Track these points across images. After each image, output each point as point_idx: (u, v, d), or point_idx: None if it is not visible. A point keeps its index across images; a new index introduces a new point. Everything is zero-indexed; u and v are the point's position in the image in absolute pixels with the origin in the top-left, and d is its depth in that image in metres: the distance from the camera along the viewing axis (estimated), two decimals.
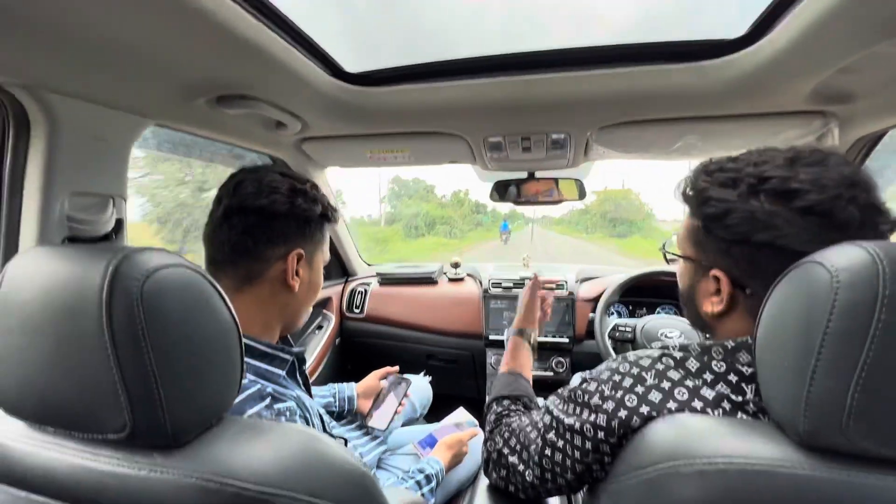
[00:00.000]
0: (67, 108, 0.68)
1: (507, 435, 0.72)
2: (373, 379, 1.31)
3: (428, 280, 1.92)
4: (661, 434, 0.47)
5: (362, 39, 1.13)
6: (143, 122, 0.81)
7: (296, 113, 1.00)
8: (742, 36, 0.79)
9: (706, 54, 0.83)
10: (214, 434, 0.47)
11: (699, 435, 0.45)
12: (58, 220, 0.71)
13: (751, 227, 0.51)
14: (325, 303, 1.87)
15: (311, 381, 1.33)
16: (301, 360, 0.80)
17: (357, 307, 1.93)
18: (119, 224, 0.82)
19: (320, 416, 0.83)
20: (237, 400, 0.60)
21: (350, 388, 1.25)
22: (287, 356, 0.73)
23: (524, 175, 1.44)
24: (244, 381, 0.62)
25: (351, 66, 0.99)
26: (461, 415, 1.34)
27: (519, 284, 1.74)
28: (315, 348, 1.71)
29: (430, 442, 1.23)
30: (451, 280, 1.95)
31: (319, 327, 1.82)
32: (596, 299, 1.56)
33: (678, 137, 1.00)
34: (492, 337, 1.71)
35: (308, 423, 0.70)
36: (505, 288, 1.75)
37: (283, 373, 0.72)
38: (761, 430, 0.44)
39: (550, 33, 0.94)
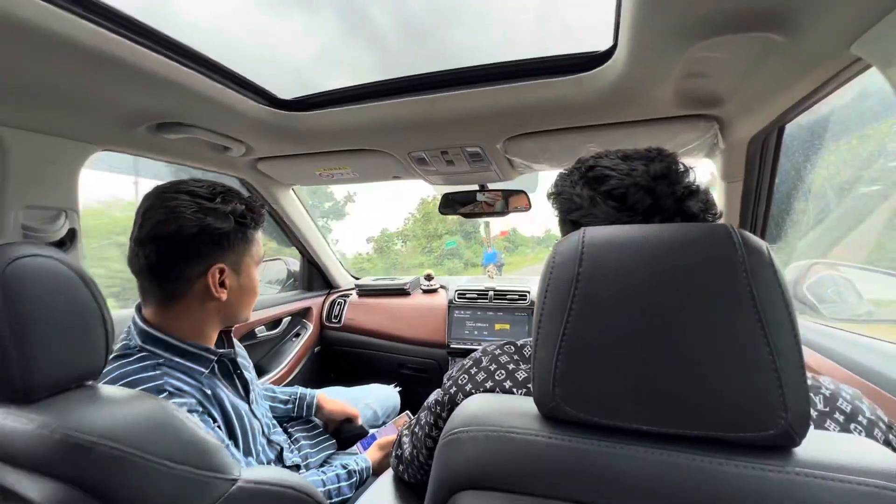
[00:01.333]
0: (17, 139, 0.85)
1: (410, 422, 0.79)
2: (338, 407, 1.29)
3: (401, 292, 2.01)
4: (466, 406, 0.53)
5: (291, 69, 1.27)
6: (89, 147, 0.98)
7: (235, 137, 1.14)
8: (607, 49, 0.86)
9: (581, 67, 0.89)
10: (71, 396, 0.57)
11: (487, 409, 0.50)
12: (12, 228, 0.87)
13: (568, 207, 0.57)
14: (305, 312, 1.99)
15: (283, 384, 1.41)
16: (232, 361, 0.86)
17: (336, 317, 2.03)
18: (72, 233, 0.97)
19: (256, 417, 0.90)
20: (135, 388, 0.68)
21: (312, 396, 1.26)
22: (210, 356, 0.80)
23: (475, 187, 1.52)
24: (150, 374, 0.72)
25: (284, 94, 1.13)
26: (406, 418, 1.39)
27: (483, 294, 1.80)
28: (289, 355, 1.82)
29: (370, 442, 1.28)
30: (424, 292, 2.02)
31: (297, 335, 1.93)
32: None
33: (581, 146, 1.06)
34: (454, 346, 1.76)
35: (215, 421, 0.76)
36: (469, 298, 1.81)
37: (204, 371, 0.79)
38: (527, 405, 0.49)
39: (451, 56, 1.03)
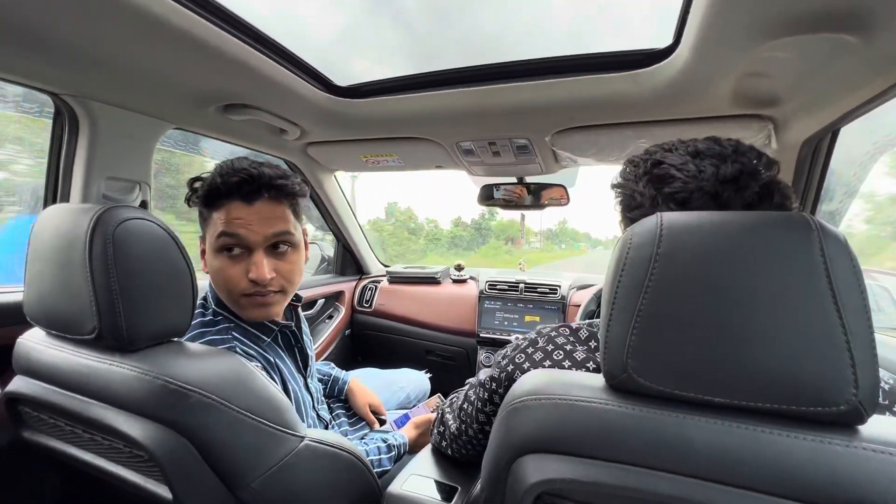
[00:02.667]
0: (104, 113, 0.91)
1: (453, 396, 0.83)
2: (365, 398, 1.31)
3: (432, 280, 2.05)
4: (527, 378, 0.56)
5: (350, 57, 1.31)
6: (163, 125, 1.04)
7: (292, 120, 1.19)
8: (667, 46, 0.87)
9: (638, 64, 0.91)
10: (164, 348, 0.63)
11: (550, 381, 0.53)
12: (95, 198, 0.93)
13: (629, 204, 0.57)
14: (338, 296, 2.06)
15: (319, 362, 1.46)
16: (293, 333, 0.92)
17: (367, 302, 2.09)
18: (144, 204, 1.04)
19: (309, 391, 0.95)
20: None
21: (344, 382, 1.31)
22: (272, 326, 0.85)
23: (513, 180, 1.55)
24: (223, 336, 0.78)
25: (341, 81, 1.17)
26: (437, 400, 1.43)
27: (514, 286, 1.82)
28: (322, 335, 1.88)
29: (404, 421, 1.33)
30: (454, 281, 2.06)
31: (330, 317, 2.00)
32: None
33: (630, 142, 1.07)
34: (483, 335, 1.80)
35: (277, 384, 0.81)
36: (500, 289, 1.84)
37: (267, 339, 0.85)
38: (593, 379, 0.52)
39: (506, 47, 1.06)
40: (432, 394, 1.65)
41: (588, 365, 0.59)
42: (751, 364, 0.40)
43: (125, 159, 0.98)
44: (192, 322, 0.78)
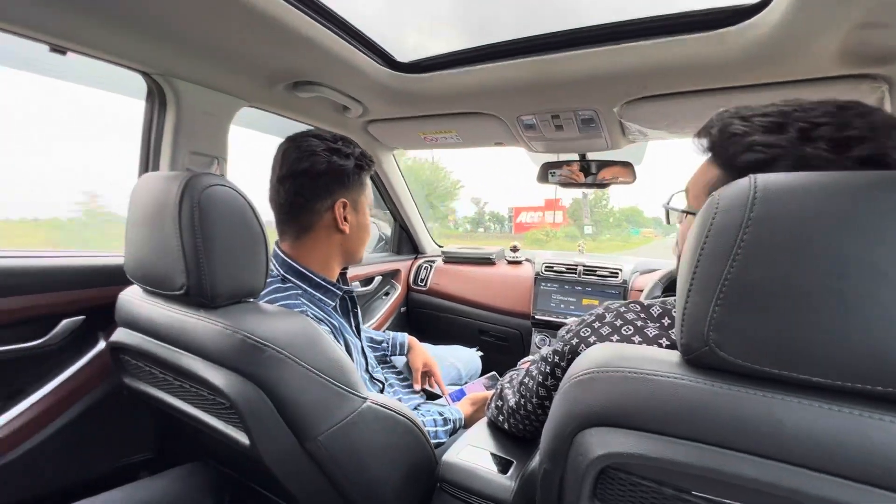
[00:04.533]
0: (188, 91, 0.99)
1: (511, 373, 0.83)
2: (423, 357, 1.35)
3: (487, 261, 2.04)
4: (594, 351, 0.54)
5: (403, 31, 1.30)
6: (238, 102, 1.10)
7: (356, 98, 1.22)
8: (758, 1, 0.78)
9: (723, 22, 0.82)
10: (242, 307, 0.68)
11: (619, 354, 0.51)
12: (180, 171, 1.01)
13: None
14: (394, 274, 2.11)
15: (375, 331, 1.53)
16: (351, 299, 0.97)
17: (422, 281, 2.13)
18: None
19: (364, 354, 1.00)
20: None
21: (403, 336, 1.35)
22: (337, 291, 0.90)
23: (575, 157, 1.48)
24: (293, 301, 0.83)
25: (402, 57, 1.18)
26: (493, 377, 1.44)
27: (571, 269, 1.77)
28: (378, 311, 1.94)
29: (459, 396, 1.35)
30: (509, 262, 2.04)
31: (386, 294, 2.06)
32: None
33: (710, 111, 0.98)
34: (538, 317, 1.77)
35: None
36: (557, 272, 1.79)
37: (333, 304, 0.90)
38: (667, 354, 0.49)
39: (569, 12, 1.00)
40: (484, 373, 1.65)
41: (661, 342, 0.56)
42: (862, 343, 0.35)
43: (205, 135, 1.05)
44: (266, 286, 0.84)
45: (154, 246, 0.67)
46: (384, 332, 1.37)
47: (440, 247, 2.34)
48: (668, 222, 0.65)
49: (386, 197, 1.97)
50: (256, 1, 0.75)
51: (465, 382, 1.67)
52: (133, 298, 0.77)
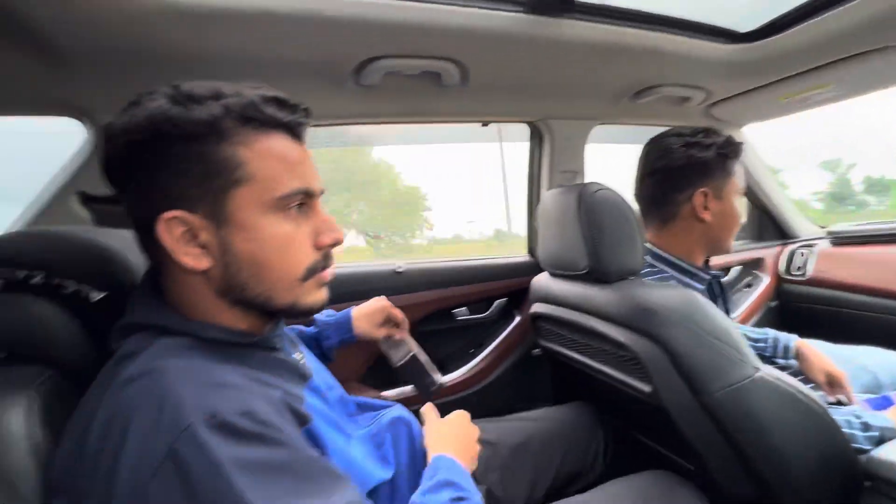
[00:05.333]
0: (556, 125, 1.31)
1: None
2: (822, 364, 1.09)
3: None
4: None
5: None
6: (590, 123, 1.34)
7: (698, 85, 1.23)
8: None
9: None
10: (629, 282, 0.85)
11: None
12: (554, 187, 1.33)
13: None
14: (756, 263, 1.86)
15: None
16: (719, 284, 1.01)
17: (798, 269, 1.77)
18: None
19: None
20: None
21: (787, 339, 1.18)
22: (705, 276, 0.97)
23: None
24: (660, 276, 0.95)
25: (747, 25, 1.10)
26: None
27: None
28: (741, 304, 1.76)
29: (884, 404, 1.07)
30: None
31: (748, 286, 1.84)
32: None
33: None
34: None
35: None
36: None
37: (702, 287, 0.96)
38: None
39: None
40: None
41: None
42: None
43: (568, 155, 1.35)
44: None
45: (562, 240, 0.94)
46: (764, 330, 1.22)
47: (822, 227, 1.88)
48: None
49: None
50: (606, 36, 0.94)
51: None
52: (544, 280, 1.08)
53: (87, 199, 0.93)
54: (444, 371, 1.35)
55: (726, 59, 1.12)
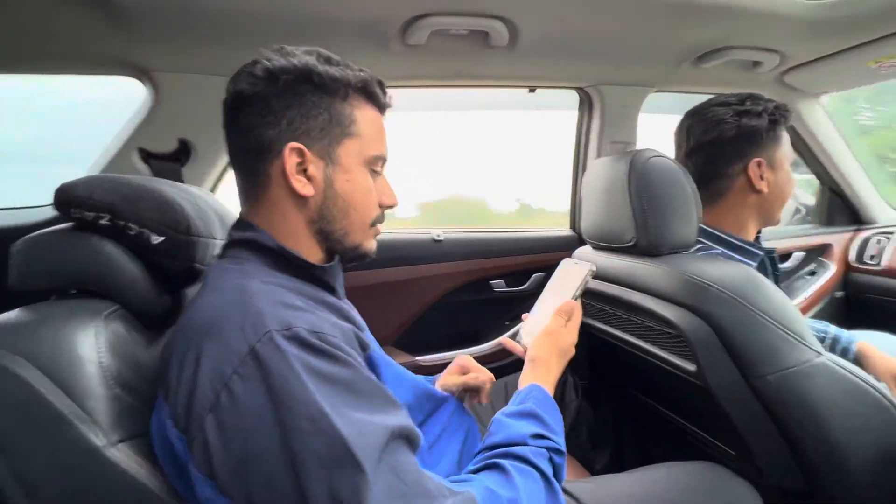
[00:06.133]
0: (608, 91, 1.25)
1: None
2: (888, 365, 0.95)
3: None
4: None
5: None
6: (645, 91, 1.26)
7: (772, 48, 1.11)
8: None
9: None
10: (679, 256, 0.81)
11: None
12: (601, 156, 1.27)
13: None
14: (822, 249, 1.71)
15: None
16: (772, 260, 0.93)
17: (872, 258, 1.62)
18: None
19: None
20: None
21: (849, 340, 1.02)
22: (757, 251, 0.90)
23: None
24: (709, 252, 0.90)
25: None
26: None
27: None
28: (801, 293, 1.63)
29: None
30: None
31: (812, 273, 1.70)
32: None
33: None
34: None
35: None
36: None
37: (754, 264, 0.89)
38: None
39: None
40: None
41: None
42: None
43: (618, 126, 1.28)
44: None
45: (608, 211, 0.90)
46: (824, 324, 1.09)
47: None
48: None
49: (809, 157, 1.63)
50: None
51: None
52: (586, 254, 1.05)
53: (148, 156, 1.00)
54: (479, 341, 1.35)
55: (808, 16, 1.00)
